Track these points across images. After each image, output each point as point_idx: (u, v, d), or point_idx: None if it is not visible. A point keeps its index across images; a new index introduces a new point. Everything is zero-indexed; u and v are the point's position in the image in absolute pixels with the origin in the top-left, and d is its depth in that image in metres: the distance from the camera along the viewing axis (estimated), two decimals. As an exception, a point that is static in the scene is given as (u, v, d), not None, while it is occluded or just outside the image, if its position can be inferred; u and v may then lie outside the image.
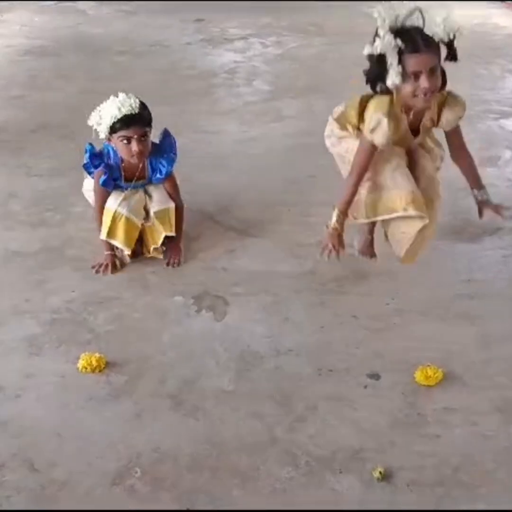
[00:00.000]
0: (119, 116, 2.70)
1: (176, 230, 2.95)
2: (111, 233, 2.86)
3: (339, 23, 6.84)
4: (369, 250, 2.90)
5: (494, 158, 3.97)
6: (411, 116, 2.49)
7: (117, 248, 2.92)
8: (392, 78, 2.32)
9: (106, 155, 2.87)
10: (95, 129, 2.78)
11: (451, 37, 2.36)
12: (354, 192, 2.57)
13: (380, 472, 1.97)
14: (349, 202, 2.58)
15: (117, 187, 2.89)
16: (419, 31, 2.37)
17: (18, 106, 4.80)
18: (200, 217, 3.20)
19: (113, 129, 2.73)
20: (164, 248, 2.97)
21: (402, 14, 2.36)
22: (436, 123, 2.56)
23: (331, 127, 2.71)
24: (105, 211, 2.88)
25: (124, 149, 2.76)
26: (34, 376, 2.34)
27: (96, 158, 2.87)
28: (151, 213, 2.91)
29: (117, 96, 2.76)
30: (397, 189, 2.50)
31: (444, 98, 2.51)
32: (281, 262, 2.98)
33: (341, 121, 2.65)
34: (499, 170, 3.85)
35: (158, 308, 2.69)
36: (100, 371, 2.35)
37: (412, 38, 2.32)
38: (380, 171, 2.54)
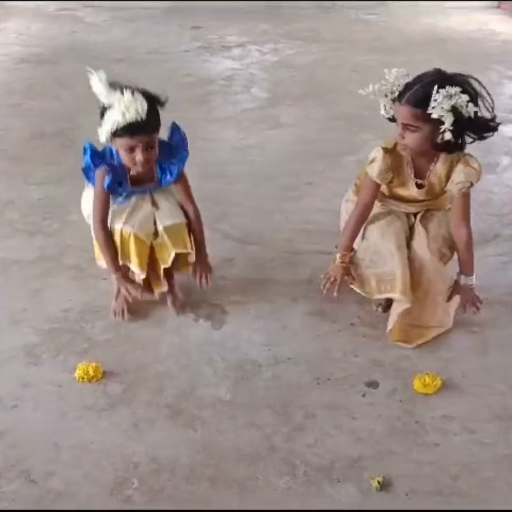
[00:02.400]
0: (122, 123, 2.34)
1: (197, 241, 2.61)
2: (124, 254, 2.52)
3: (336, 30, 6.86)
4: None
5: (492, 164, 3.97)
6: (415, 163, 2.46)
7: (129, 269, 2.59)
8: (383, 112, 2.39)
9: (108, 156, 2.51)
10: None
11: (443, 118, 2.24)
12: (356, 230, 2.54)
13: (378, 481, 1.96)
14: (351, 240, 2.55)
15: (121, 193, 2.54)
16: (416, 87, 2.30)
17: (15, 114, 4.79)
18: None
19: (115, 134, 2.38)
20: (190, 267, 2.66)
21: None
22: (444, 184, 2.45)
23: (350, 192, 2.71)
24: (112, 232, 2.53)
25: (127, 157, 2.42)
26: (31, 386, 2.33)
27: (98, 158, 2.49)
28: (161, 228, 2.54)
29: (123, 94, 2.40)
30: (383, 266, 2.47)
31: (458, 158, 2.42)
32: (279, 270, 2.98)
33: (358, 185, 2.65)
34: (497, 176, 3.85)
35: (155, 317, 2.68)
36: (97, 380, 2.34)
37: (404, 90, 2.33)
38: (375, 240, 2.50)
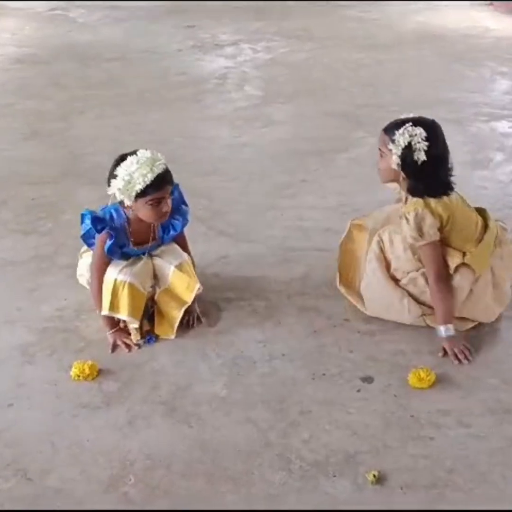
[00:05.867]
0: (152, 178, 2.33)
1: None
2: (113, 306, 2.47)
3: (329, 27, 6.87)
4: None
5: (485, 160, 3.99)
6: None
7: (124, 322, 2.54)
8: None
9: (109, 219, 2.47)
10: (113, 194, 2.39)
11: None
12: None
13: (374, 475, 1.97)
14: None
15: (123, 255, 2.52)
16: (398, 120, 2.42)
17: (9, 114, 4.80)
18: (192, 222, 3.19)
19: (142, 193, 2.35)
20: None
21: None
22: None
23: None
24: (104, 284, 2.49)
25: (151, 212, 2.40)
26: (27, 385, 2.34)
27: (100, 223, 2.45)
28: (172, 268, 2.54)
29: (136, 155, 2.36)
30: None
31: (408, 207, 2.43)
32: (274, 267, 2.98)
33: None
34: (490, 172, 3.86)
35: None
36: (92, 378, 2.34)
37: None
38: None
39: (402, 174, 2.39)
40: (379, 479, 1.97)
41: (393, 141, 2.35)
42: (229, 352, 2.48)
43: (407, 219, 2.40)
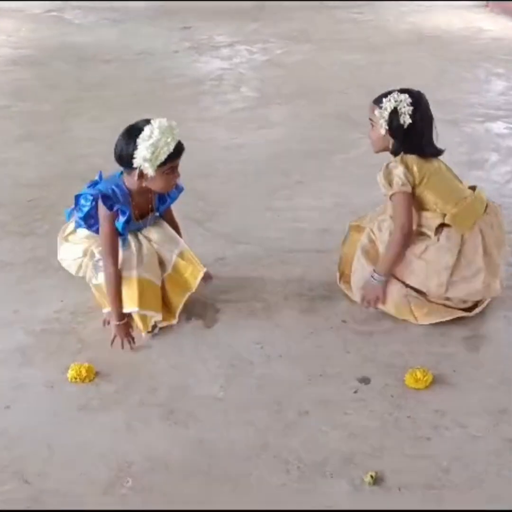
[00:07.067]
0: (174, 146, 2.33)
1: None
2: (143, 302, 2.46)
3: (325, 29, 6.88)
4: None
5: (480, 161, 4.01)
6: None
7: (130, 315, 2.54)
8: None
9: (113, 196, 2.43)
10: (139, 168, 2.34)
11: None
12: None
13: (371, 476, 1.98)
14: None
15: (128, 231, 2.52)
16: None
17: (4, 116, 4.79)
18: (189, 224, 3.20)
19: (163, 162, 2.33)
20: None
21: None
22: None
23: None
24: (124, 281, 2.47)
25: (166, 180, 2.41)
26: (24, 387, 2.33)
27: (109, 200, 2.42)
28: (174, 257, 2.58)
29: (151, 124, 2.33)
30: None
31: (388, 162, 2.57)
32: (270, 268, 2.99)
33: None
34: (485, 173, 3.87)
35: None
36: (89, 380, 2.34)
37: None
38: None
39: (391, 140, 2.51)
40: (377, 480, 1.98)
41: (380, 108, 2.48)
42: (227, 354, 2.48)
43: (381, 169, 2.54)
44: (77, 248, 2.63)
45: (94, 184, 2.54)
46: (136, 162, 2.33)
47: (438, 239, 2.52)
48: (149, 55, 6.14)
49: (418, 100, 2.48)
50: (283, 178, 3.81)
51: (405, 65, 5.70)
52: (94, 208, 2.46)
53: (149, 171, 2.34)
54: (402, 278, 2.57)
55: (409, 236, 2.52)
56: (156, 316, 2.55)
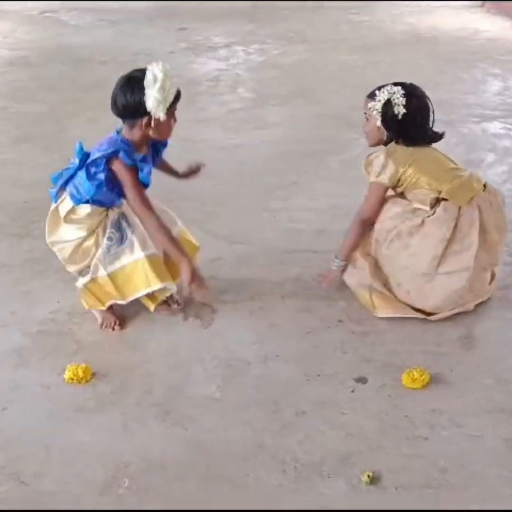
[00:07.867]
0: (176, 90, 2.34)
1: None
2: (161, 276, 2.47)
3: (321, 30, 6.88)
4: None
5: (476, 161, 4.01)
6: None
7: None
8: None
9: (129, 150, 2.39)
10: (153, 113, 2.31)
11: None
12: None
13: (368, 476, 1.97)
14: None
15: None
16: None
17: (1, 117, 4.78)
18: (185, 224, 3.20)
19: (172, 104, 2.34)
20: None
21: None
22: None
23: None
24: (137, 264, 2.45)
25: (168, 126, 2.38)
26: (21, 388, 2.33)
27: (129, 157, 2.36)
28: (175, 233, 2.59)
29: (150, 68, 2.32)
30: None
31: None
32: (267, 268, 2.98)
33: None
34: (482, 173, 3.86)
35: (144, 317, 2.68)
36: (86, 381, 2.34)
37: None
38: None
39: (385, 133, 2.54)
40: (374, 479, 1.98)
41: (374, 100, 2.52)
42: (223, 354, 2.48)
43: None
44: (80, 228, 2.51)
45: (83, 157, 2.43)
46: (148, 107, 2.29)
47: (434, 212, 2.53)
48: (145, 56, 6.12)
49: (411, 92, 2.52)
50: (280, 178, 3.81)
51: (401, 65, 5.70)
52: (108, 171, 2.37)
53: (161, 114, 2.30)
54: (393, 272, 2.61)
55: (367, 223, 2.63)
56: (172, 288, 2.55)
